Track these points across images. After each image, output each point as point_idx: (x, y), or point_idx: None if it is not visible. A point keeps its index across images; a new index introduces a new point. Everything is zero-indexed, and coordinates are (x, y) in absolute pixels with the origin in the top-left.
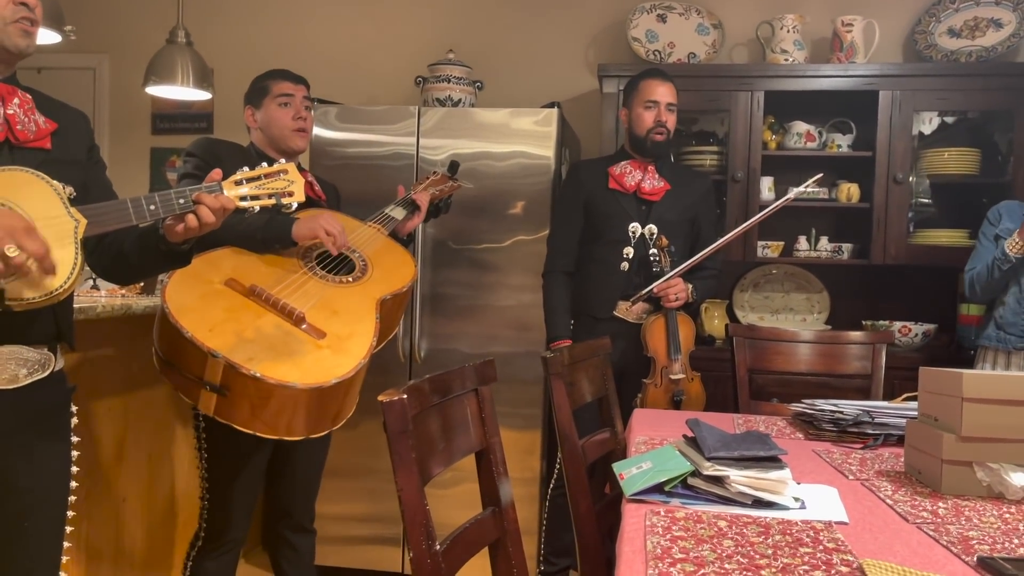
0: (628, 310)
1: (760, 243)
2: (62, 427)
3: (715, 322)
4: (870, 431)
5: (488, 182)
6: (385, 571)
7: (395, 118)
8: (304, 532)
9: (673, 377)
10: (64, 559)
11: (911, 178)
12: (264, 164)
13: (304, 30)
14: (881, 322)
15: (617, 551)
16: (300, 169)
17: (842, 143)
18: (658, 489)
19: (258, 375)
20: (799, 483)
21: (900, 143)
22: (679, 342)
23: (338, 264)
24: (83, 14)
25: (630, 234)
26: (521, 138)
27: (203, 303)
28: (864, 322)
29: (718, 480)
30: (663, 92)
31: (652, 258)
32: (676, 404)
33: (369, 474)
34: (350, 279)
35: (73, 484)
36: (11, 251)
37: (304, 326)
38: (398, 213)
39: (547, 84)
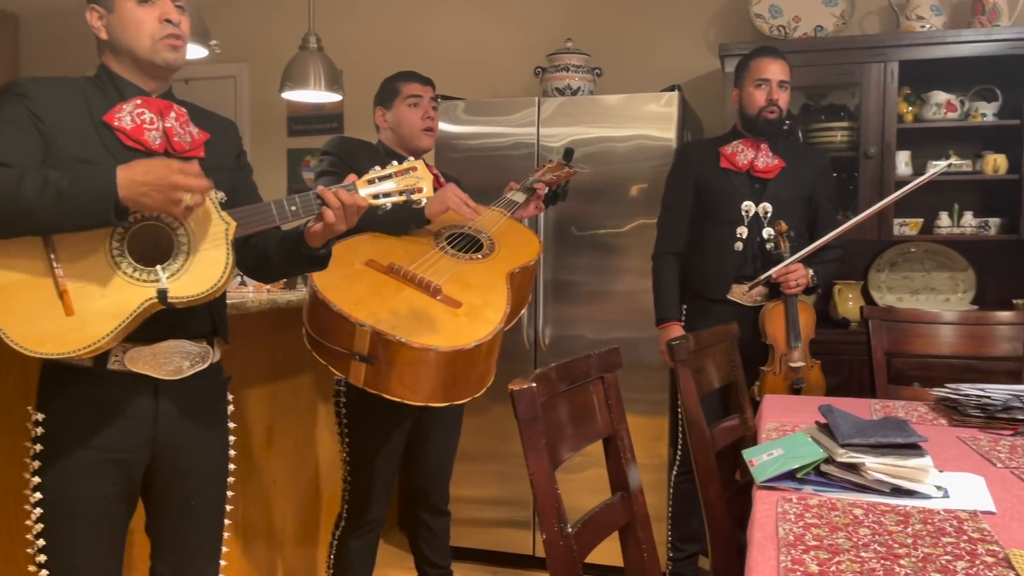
0: (744, 294)
1: (897, 220)
2: (220, 414)
3: (849, 304)
4: (1021, 416)
5: (608, 167)
6: (517, 553)
7: (515, 109)
8: (440, 514)
9: (792, 365)
10: (225, 536)
11: None
12: (394, 162)
13: (426, 28)
14: None
15: (748, 537)
16: (426, 165)
17: (987, 112)
18: (790, 476)
19: (403, 340)
20: (942, 471)
21: None
22: (799, 329)
23: (468, 243)
24: (223, 26)
25: (743, 213)
26: (642, 122)
27: (347, 281)
28: (1015, 301)
29: (853, 467)
30: (775, 70)
31: (768, 241)
32: (795, 392)
33: (500, 458)
34: (479, 256)
35: (231, 467)
36: (188, 200)
37: (440, 297)
38: (518, 197)
39: (668, 66)
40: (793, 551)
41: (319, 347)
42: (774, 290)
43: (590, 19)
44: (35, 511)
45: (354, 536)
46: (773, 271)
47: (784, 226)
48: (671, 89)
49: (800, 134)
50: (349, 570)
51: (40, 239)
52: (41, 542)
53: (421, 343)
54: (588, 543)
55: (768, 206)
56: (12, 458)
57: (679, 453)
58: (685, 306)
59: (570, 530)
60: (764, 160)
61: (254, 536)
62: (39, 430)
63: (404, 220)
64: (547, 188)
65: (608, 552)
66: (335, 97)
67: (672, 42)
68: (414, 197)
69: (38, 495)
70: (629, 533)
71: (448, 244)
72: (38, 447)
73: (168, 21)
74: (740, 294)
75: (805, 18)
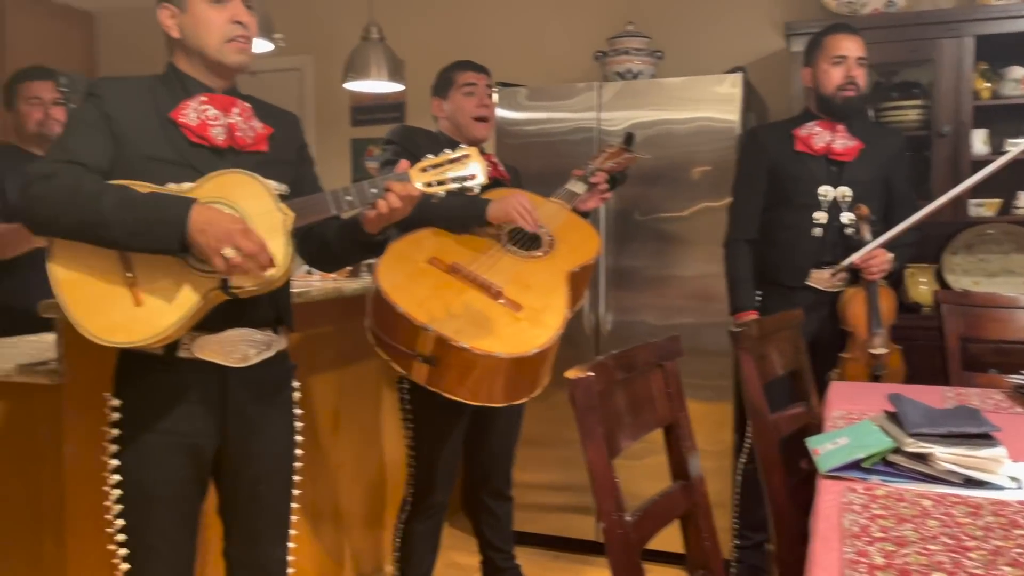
0: (826, 280)
1: (973, 201)
2: (287, 401)
3: (921, 288)
4: None
5: (670, 151)
6: (579, 538)
7: (575, 94)
8: (502, 499)
9: (874, 352)
10: (293, 519)
11: None
12: (447, 150)
13: (485, 16)
14: None
15: (811, 528)
16: (482, 152)
17: None
18: (855, 466)
19: (466, 346)
20: (1017, 461)
21: None
22: (880, 316)
23: (528, 239)
24: (288, 19)
25: (820, 198)
26: (704, 104)
27: (411, 281)
28: None
29: (922, 457)
30: (851, 46)
31: (849, 226)
32: (876, 379)
33: (563, 444)
34: (540, 254)
35: (298, 452)
36: (228, 253)
37: (502, 300)
38: (579, 188)
39: (731, 47)
40: (857, 542)
41: (382, 344)
42: (853, 275)
43: (651, 1)
44: (113, 492)
45: (419, 520)
46: (855, 257)
47: (866, 210)
48: (735, 71)
49: (872, 113)
50: (414, 553)
51: None
52: (120, 522)
53: (483, 349)
54: (647, 531)
55: (847, 190)
56: (93, 442)
57: (746, 441)
58: (760, 293)
59: (629, 518)
60: (842, 142)
61: (322, 519)
62: (116, 415)
63: (465, 221)
64: (607, 176)
65: (670, 539)
66: (397, 87)
67: (736, 22)
68: (467, 184)
69: (116, 477)
70: (690, 521)
71: (509, 240)
72: (115, 431)
73: (238, 23)
74: (821, 280)
75: None
